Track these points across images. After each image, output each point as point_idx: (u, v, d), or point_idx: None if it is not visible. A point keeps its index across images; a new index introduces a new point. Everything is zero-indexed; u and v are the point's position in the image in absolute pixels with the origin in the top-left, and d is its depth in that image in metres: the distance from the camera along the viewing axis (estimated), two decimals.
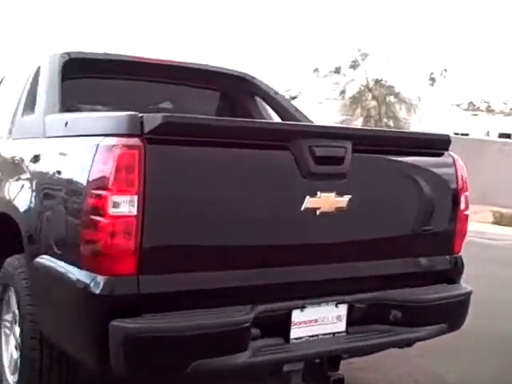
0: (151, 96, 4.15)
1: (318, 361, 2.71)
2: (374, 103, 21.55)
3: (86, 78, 3.84)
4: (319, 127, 2.81)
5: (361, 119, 21.51)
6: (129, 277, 2.28)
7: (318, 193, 2.61)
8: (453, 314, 3.06)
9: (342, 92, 22.51)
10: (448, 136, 3.13)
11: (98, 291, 2.26)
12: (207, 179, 2.43)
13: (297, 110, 4.12)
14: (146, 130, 2.29)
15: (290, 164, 2.58)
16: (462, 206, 3.14)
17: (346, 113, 22.14)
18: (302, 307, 2.64)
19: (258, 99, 4.33)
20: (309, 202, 2.58)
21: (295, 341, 2.63)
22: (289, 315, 2.60)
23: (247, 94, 4.32)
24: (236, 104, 4.36)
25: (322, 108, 24.29)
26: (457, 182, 3.10)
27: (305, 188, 2.60)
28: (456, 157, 3.15)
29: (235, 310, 2.42)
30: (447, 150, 3.11)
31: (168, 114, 2.38)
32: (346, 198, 2.68)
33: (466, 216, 3.19)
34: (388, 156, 2.90)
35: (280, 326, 2.60)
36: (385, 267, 2.87)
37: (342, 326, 2.76)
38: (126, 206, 2.24)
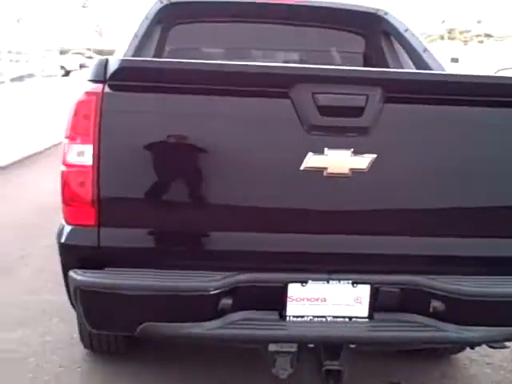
0: (273, 41, 3.90)
1: (311, 346, 2.31)
2: None
3: (197, 23, 3.76)
4: (329, 70, 2.28)
5: None
6: (89, 228, 2.20)
7: (326, 150, 2.17)
8: None
9: None
10: None
11: (61, 240, 2.25)
12: (180, 130, 2.19)
13: (425, 50, 3.45)
14: (108, 75, 2.14)
15: (289, 115, 2.18)
16: None
17: None
18: (303, 282, 2.26)
19: (394, 39, 3.75)
20: (311, 161, 2.16)
21: (294, 319, 2.27)
22: (284, 289, 2.26)
23: (381, 34, 3.78)
24: (370, 46, 3.86)
25: None
26: None
27: (307, 144, 2.17)
28: None
29: (202, 275, 2.18)
30: None
31: (129, 58, 2.20)
32: (368, 157, 2.18)
33: None
34: (441, 107, 2.25)
35: (274, 301, 2.27)
36: (424, 246, 2.28)
37: (362, 310, 2.29)
38: (80, 155, 2.15)
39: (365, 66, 3.85)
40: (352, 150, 2.17)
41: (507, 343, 3.06)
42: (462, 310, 2.27)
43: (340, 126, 2.19)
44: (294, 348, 2.29)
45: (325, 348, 2.33)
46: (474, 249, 2.31)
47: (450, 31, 54.13)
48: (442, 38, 53.08)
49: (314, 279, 2.26)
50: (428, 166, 2.27)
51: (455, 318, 2.26)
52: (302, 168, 2.17)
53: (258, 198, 2.24)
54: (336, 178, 2.19)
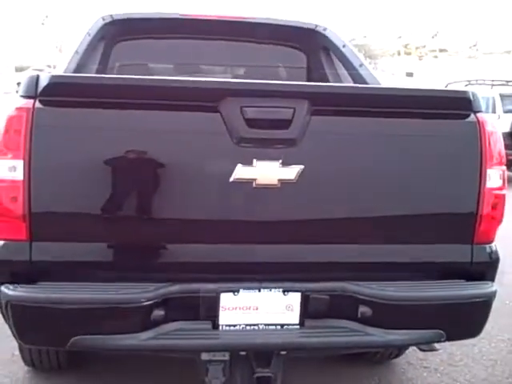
0: (218, 57, 3.98)
1: (243, 353, 2.37)
2: None
3: (140, 39, 3.83)
4: (257, 84, 2.37)
5: None
6: (20, 242, 2.22)
7: (254, 161, 2.24)
8: (456, 318, 2.42)
9: None
10: (467, 94, 2.43)
11: None
12: (111, 144, 2.24)
13: (361, 64, 3.58)
14: (39, 91, 2.18)
15: (219, 128, 2.25)
16: (491, 183, 2.44)
17: None
18: (235, 291, 2.32)
19: (333, 54, 3.88)
20: (240, 172, 2.23)
21: (227, 328, 2.32)
22: (217, 299, 2.30)
23: (320, 49, 3.90)
24: (310, 60, 3.98)
25: None
26: (480, 152, 2.41)
27: (236, 156, 2.24)
28: (485, 120, 2.45)
29: (134, 287, 2.22)
30: (470, 110, 2.43)
31: (60, 74, 2.24)
32: (296, 168, 2.26)
33: (499, 196, 2.48)
34: (367, 119, 2.36)
35: (207, 310, 2.31)
36: (352, 253, 2.37)
37: (293, 318, 2.36)
38: (12, 170, 2.17)
39: (306, 80, 3.96)
40: (280, 161, 2.25)
41: (438, 346, 3.18)
42: (387, 315, 2.36)
43: (268, 138, 2.26)
44: (226, 356, 2.33)
45: (256, 355, 2.38)
46: (399, 255, 2.41)
47: (406, 46, 55.52)
48: (398, 53, 54.32)
49: (245, 288, 2.32)
50: (354, 176, 2.37)
51: (381, 323, 2.35)
52: (231, 180, 2.23)
53: (189, 210, 2.29)
54: (265, 188, 2.25)
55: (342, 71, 3.71)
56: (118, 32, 3.69)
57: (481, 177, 2.42)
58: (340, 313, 2.37)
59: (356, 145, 2.36)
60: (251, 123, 2.24)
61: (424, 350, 2.82)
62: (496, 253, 2.53)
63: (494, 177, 2.45)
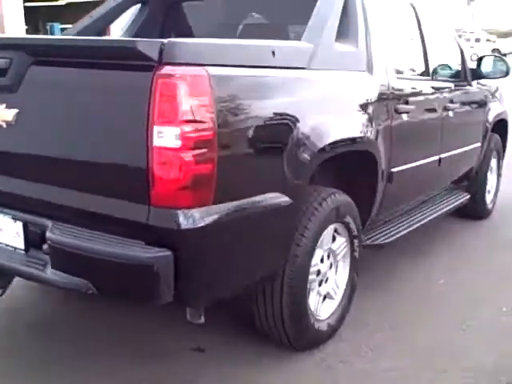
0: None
1: None
2: None
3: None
4: None
5: None
6: None
7: None
8: (103, 274, 2.41)
9: None
10: (136, 44, 2.23)
11: None
12: None
13: None
14: None
15: None
16: (162, 141, 2.26)
17: None
18: None
19: None
20: None
21: None
22: None
23: None
24: None
25: None
26: (148, 107, 2.25)
27: None
28: (167, 73, 2.24)
29: None
30: (151, 61, 2.23)
31: None
32: (13, 111, 2.61)
33: (174, 157, 2.26)
34: (75, 69, 2.50)
35: None
36: (46, 193, 2.60)
37: (20, 243, 2.70)
38: None
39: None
40: (4, 104, 2.63)
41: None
42: (53, 255, 2.51)
43: None
44: None
45: None
46: (81, 202, 2.50)
47: None
48: None
49: None
50: (54, 122, 2.56)
51: (52, 263, 2.52)
52: None
53: None
54: None
55: None
56: None
57: (147, 133, 2.26)
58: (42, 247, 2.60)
59: (63, 93, 2.54)
60: None
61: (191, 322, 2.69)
62: (187, 220, 2.28)
63: (168, 135, 2.24)
